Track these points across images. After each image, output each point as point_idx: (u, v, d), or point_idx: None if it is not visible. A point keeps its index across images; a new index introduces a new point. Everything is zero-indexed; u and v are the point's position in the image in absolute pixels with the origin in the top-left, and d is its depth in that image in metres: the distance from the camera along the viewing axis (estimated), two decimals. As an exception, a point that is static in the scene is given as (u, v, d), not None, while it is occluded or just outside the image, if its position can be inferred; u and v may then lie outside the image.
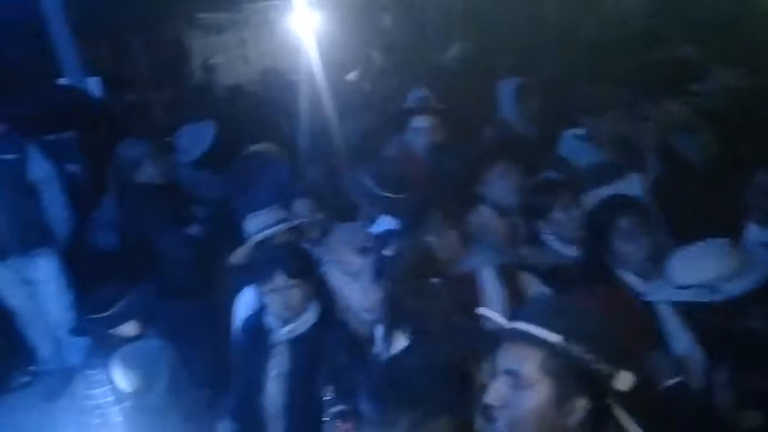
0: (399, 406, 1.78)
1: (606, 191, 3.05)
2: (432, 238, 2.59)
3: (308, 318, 2.63)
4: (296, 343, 2.60)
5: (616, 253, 2.45)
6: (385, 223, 3.01)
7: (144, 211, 3.63)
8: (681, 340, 2.19)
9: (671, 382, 2.03)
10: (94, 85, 5.42)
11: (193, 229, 3.68)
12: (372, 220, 3.13)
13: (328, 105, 4.43)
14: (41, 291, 4.12)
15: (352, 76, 6.99)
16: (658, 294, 2.26)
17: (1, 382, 4.20)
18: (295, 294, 2.57)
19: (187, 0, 9.12)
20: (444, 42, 7.82)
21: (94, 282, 3.58)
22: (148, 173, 3.64)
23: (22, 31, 4.90)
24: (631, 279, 2.43)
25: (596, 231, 2.54)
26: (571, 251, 2.79)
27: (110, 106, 5.34)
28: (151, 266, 3.58)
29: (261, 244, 3.08)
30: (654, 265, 2.40)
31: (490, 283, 2.51)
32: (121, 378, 2.80)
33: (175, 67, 9.80)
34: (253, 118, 5.38)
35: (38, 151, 4.13)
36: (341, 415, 2.27)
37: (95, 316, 3.06)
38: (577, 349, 1.37)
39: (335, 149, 4.01)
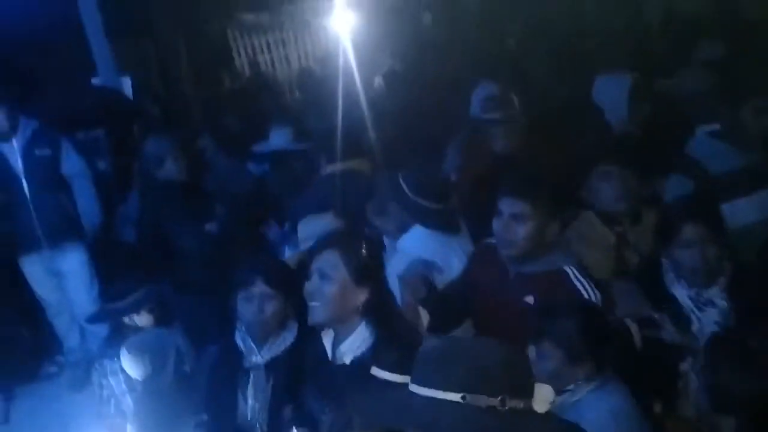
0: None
1: (743, 204, 2.76)
2: None
3: (285, 338, 2.42)
4: (273, 367, 2.38)
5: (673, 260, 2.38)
6: (418, 234, 2.86)
7: (163, 207, 3.70)
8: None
9: None
10: (126, 85, 5.59)
11: (211, 226, 3.74)
12: (401, 230, 2.95)
13: (363, 105, 4.38)
14: (69, 282, 4.27)
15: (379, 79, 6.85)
16: None
17: (30, 371, 4.35)
18: (271, 306, 2.36)
19: (228, 0, 9.28)
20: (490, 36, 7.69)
21: (117, 274, 3.70)
22: (170, 170, 3.71)
23: (59, 31, 5.07)
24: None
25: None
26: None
27: (140, 105, 5.49)
28: (169, 260, 3.66)
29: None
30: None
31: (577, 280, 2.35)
32: (129, 365, 2.89)
33: (217, 65, 9.98)
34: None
35: (71, 148, 4.29)
36: None
37: (111, 305, 3.16)
38: (483, 399, 1.30)
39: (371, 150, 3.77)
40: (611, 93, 3.73)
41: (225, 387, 2.43)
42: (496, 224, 2.40)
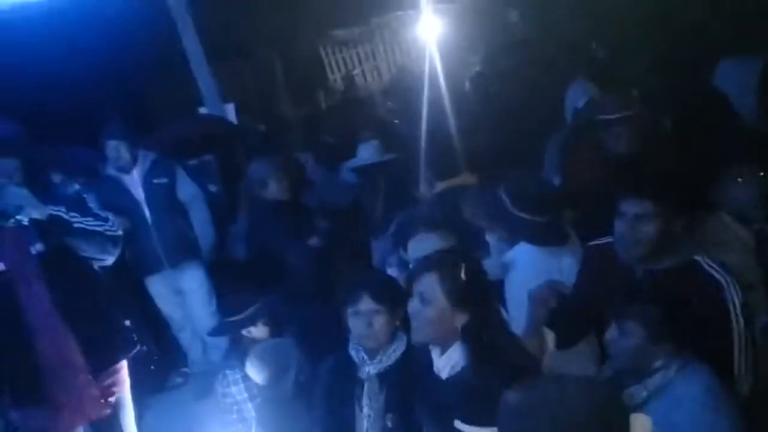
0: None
1: None
2: None
3: (396, 349, 2.48)
4: (385, 377, 2.45)
5: None
6: (524, 251, 2.85)
7: (268, 225, 3.93)
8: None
9: None
10: (230, 111, 5.93)
11: (313, 241, 3.93)
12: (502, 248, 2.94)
13: (449, 111, 4.41)
14: (190, 300, 4.60)
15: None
16: None
17: (158, 382, 4.70)
18: (379, 321, 2.44)
19: (317, 17, 9.59)
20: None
21: (232, 290, 3.96)
22: (273, 190, 3.93)
23: (164, 65, 5.45)
24: None
25: None
26: None
27: (244, 130, 5.81)
28: (278, 275, 3.88)
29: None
30: None
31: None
32: (254, 372, 3.11)
33: (312, 83, 10.31)
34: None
35: (184, 174, 4.62)
36: None
37: (230, 318, 3.41)
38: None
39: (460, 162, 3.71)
40: (738, 78, 3.43)
41: (341, 396, 2.52)
42: (619, 226, 2.37)
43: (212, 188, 5.00)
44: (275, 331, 3.46)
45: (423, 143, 3.92)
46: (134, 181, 4.44)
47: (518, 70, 5.91)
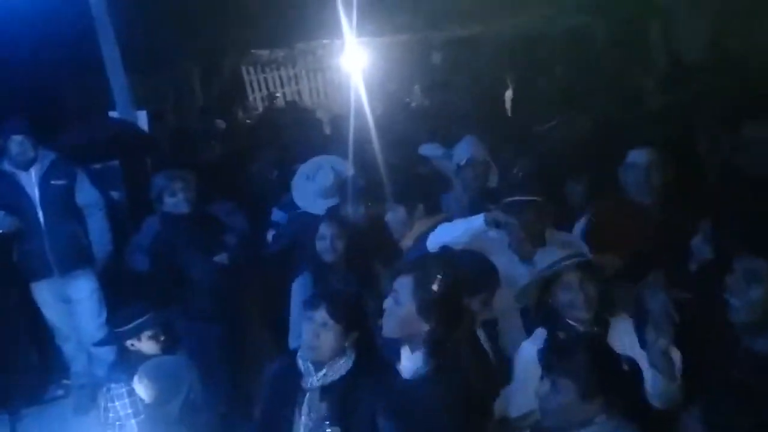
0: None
1: None
2: None
3: (342, 367, 2.53)
4: (328, 390, 2.50)
5: None
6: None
7: (174, 239, 3.83)
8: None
9: None
10: (141, 118, 5.78)
11: (221, 257, 3.87)
12: None
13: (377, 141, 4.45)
14: (78, 309, 4.37)
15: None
16: None
17: (37, 394, 4.45)
18: (328, 336, 2.49)
19: (241, 36, 9.55)
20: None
21: (126, 301, 3.83)
22: (178, 203, 3.84)
23: (79, 65, 5.28)
24: None
25: None
26: None
27: (155, 137, 5.67)
28: (180, 289, 3.78)
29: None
30: None
31: None
32: (142, 388, 2.99)
33: (233, 99, 10.22)
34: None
35: (85, 178, 4.44)
36: None
37: (117, 329, 3.29)
38: None
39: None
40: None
41: (283, 401, 2.57)
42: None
43: (114, 195, 4.83)
44: (167, 348, 3.36)
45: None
46: (31, 180, 4.25)
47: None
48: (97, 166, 4.86)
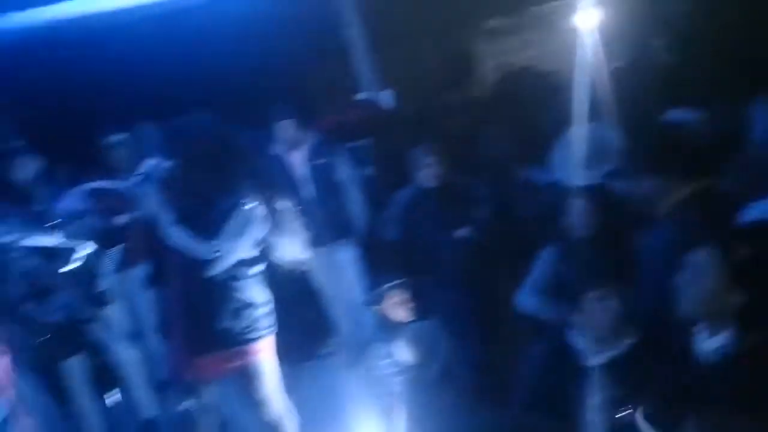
0: None
1: None
2: None
3: (624, 341, 2.49)
4: (614, 368, 2.47)
5: None
6: None
7: (422, 211, 4.08)
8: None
9: None
10: (386, 98, 6.13)
11: (465, 231, 4.02)
12: None
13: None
14: (342, 275, 4.83)
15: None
16: None
17: (312, 350, 4.99)
18: (609, 313, 2.47)
19: (472, 7, 9.53)
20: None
21: (380, 269, 4.16)
22: (427, 176, 4.07)
23: (328, 55, 5.73)
24: None
25: None
26: None
27: (401, 116, 5.98)
28: (428, 259, 4.01)
29: None
30: None
31: None
32: (402, 352, 3.27)
33: (468, 70, 10.30)
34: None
35: (344, 156, 4.86)
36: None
37: (372, 295, 3.63)
38: None
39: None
40: None
41: (558, 384, 2.54)
42: None
43: (367, 172, 5.21)
44: (421, 314, 3.61)
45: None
46: (298, 161, 4.73)
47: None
48: (351, 145, 5.27)
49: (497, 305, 4.08)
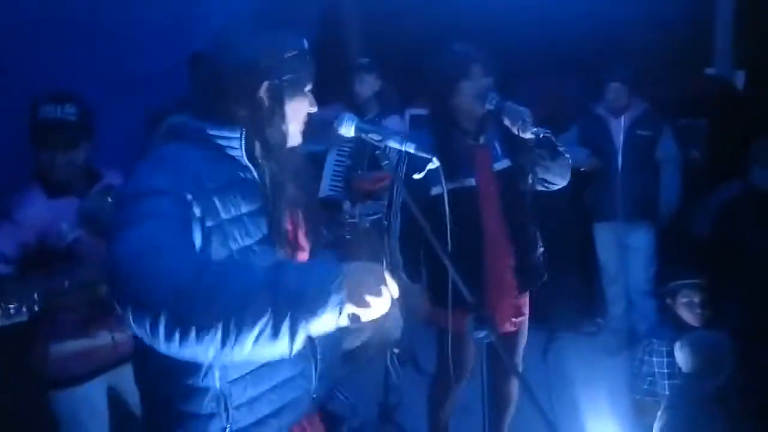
0: None
1: None
2: None
3: None
4: None
5: None
6: None
7: (746, 213, 3.58)
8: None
9: None
10: (739, 78, 5.39)
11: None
12: None
13: None
14: (632, 256, 4.50)
15: None
16: None
17: (573, 322, 4.81)
18: None
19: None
20: None
21: (674, 262, 3.79)
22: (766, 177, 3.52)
23: (685, 22, 5.16)
24: None
25: None
26: None
27: (750, 101, 5.23)
28: (738, 267, 3.55)
29: None
30: None
31: None
32: (682, 357, 2.94)
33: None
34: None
35: (670, 133, 4.44)
36: None
37: (662, 287, 3.36)
38: None
39: None
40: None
41: None
42: None
43: (694, 153, 4.70)
44: (709, 321, 3.22)
45: None
46: (619, 127, 4.42)
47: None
48: (684, 122, 4.78)
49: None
